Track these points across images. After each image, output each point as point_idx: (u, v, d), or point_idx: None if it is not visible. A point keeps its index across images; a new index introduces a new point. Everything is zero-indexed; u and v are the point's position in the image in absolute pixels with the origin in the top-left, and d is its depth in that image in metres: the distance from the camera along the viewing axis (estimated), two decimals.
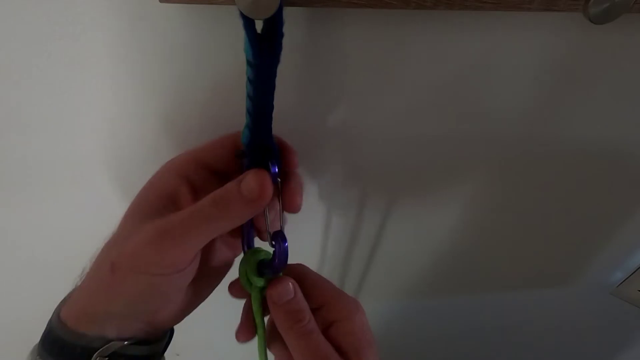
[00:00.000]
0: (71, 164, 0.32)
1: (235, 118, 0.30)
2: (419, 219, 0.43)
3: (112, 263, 0.23)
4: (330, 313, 0.26)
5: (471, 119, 0.33)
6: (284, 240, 0.26)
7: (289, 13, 0.22)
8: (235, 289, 0.29)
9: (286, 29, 0.22)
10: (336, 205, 0.40)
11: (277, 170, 0.25)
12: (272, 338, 0.27)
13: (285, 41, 0.22)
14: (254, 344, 0.27)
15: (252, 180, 0.22)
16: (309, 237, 0.43)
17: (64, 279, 0.27)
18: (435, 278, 0.52)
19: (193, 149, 0.27)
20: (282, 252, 0.26)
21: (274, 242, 0.26)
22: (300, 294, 0.26)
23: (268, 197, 0.22)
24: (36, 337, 0.26)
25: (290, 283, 0.26)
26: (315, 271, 0.28)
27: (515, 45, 0.29)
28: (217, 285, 0.29)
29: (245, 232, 0.28)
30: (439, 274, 0.51)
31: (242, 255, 0.29)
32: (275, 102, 0.24)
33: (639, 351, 0.73)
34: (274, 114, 0.25)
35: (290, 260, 0.27)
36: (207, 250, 0.26)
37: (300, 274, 0.27)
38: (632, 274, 0.53)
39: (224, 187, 0.23)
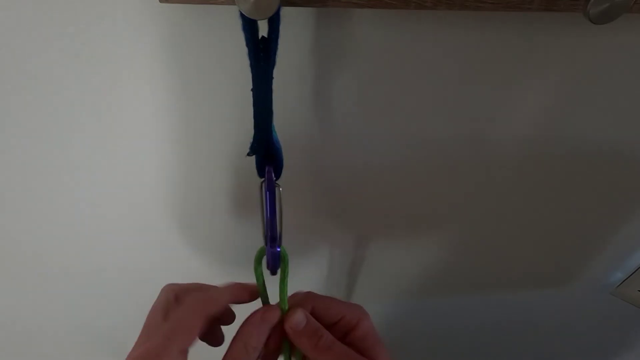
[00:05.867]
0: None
1: (239, 119, 0.30)
2: (419, 219, 0.43)
3: None
4: (345, 324, 0.29)
5: (471, 119, 0.33)
6: (275, 245, 0.27)
7: (289, 13, 0.22)
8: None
9: (286, 29, 0.22)
10: (338, 206, 0.40)
11: (272, 174, 0.26)
12: None
13: (285, 41, 0.22)
14: None
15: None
16: (310, 236, 0.43)
17: None
18: (436, 278, 0.52)
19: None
20: (271, 255, 0.27)
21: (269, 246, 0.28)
22: (311, 318, 0.28)
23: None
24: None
25: (300, 311, 0.28)
26: (320, 294, 0.30)
27: (515, 46, 0.29)
28: None
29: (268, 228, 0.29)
30: (440, 274, 0.51)
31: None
32: (276, 103, 0.24)
33: (639, 351, 0.73)
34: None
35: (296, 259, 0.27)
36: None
37: (311, 300, 0.30)
38: (632, 274, 0.53)
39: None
